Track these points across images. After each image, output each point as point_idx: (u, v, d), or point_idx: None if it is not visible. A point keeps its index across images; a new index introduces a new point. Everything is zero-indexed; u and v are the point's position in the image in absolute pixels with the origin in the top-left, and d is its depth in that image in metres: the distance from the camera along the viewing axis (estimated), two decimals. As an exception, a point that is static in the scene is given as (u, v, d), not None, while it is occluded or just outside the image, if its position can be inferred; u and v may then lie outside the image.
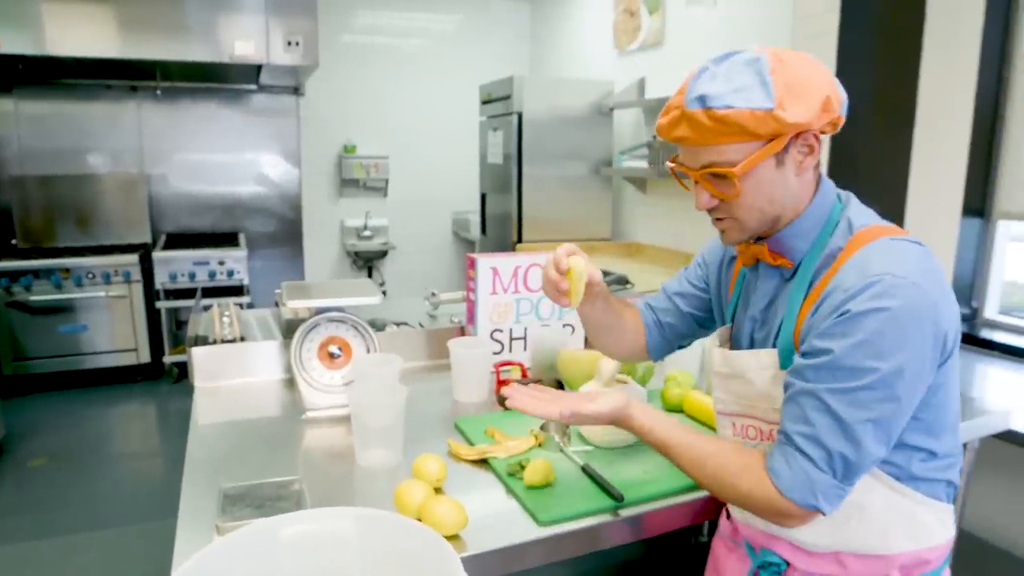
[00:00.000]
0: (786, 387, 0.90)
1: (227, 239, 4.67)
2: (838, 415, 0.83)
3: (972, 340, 2.47)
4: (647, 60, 3.90)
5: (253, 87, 4.71)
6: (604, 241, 4.14)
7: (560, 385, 1.52)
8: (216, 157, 4.80)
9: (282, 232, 5.08)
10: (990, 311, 2.57)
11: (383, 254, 5.24)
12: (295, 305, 1.43)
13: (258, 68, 4.09)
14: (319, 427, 1.41)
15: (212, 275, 4.33)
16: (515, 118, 3.87)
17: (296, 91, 4.92)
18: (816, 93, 0.86)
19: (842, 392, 0.83)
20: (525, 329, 1.73)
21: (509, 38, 5.40)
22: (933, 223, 2.49)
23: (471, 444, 1.30)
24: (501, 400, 1.48)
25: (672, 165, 0.98)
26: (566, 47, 4.90)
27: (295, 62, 3.84)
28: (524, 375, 1.61)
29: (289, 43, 3.78)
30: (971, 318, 2.59)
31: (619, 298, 1.27)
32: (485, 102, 4.29)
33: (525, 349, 1.73)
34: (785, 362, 0.93)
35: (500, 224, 4.16)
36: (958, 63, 2.37)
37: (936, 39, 2.39)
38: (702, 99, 0.86)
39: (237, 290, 4.36)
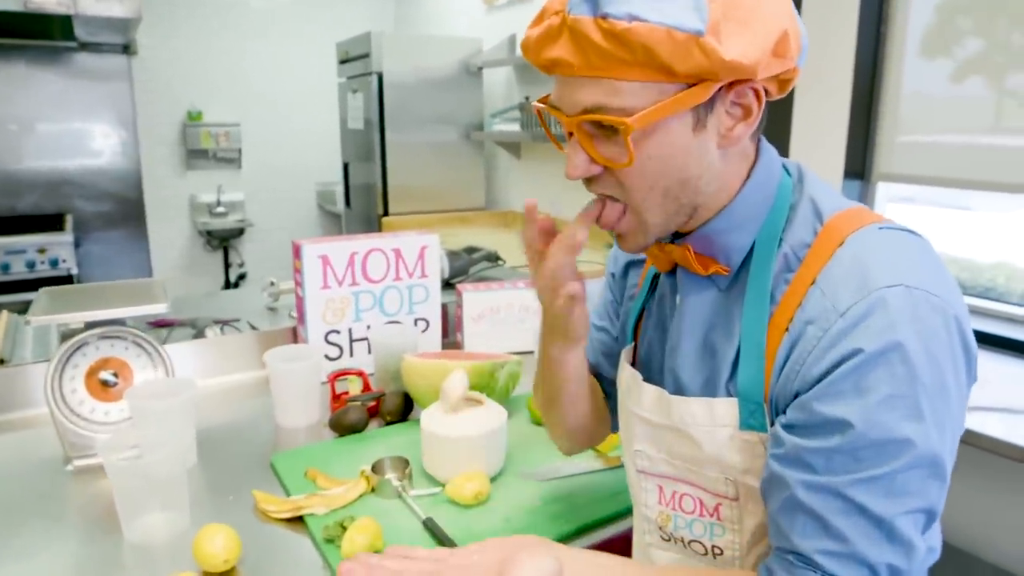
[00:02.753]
0: (774, 480, 0.62)
1: (51, 222, 4.06)
2: (874, 514, 0.56)
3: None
4: (517, 15, 3.62)
5: (72, 44, 4.08)
6: (478, 211, 3.87)
7: (408, 401, 1.24)
8: (31, 127, 4.15)
9: (120, 212, 4.49)
10: (870, 275, 2.50)
11: (240, 232, 4.76)
12: (40, 321, 1.07)
13: (69, 20, 3.50)
14: (88, 481, 1.07)
15: (31, 265, 3.74)
16: (375, 79, 3.51)
17: (127, 50, 4.31)
18: (768, 25, 0.59)
19: (874, 481, 0.56)
20: (368, 328, 1.43)
21: (371, -7, 4.97)
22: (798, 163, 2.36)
23: (286, 493, 1.01)
24: (334, 424, 1.19)
25: (540, 106, 0.68)
26: (432, 3, 4.54)
27: (111, 13, 3.29)
28: (366, 387, 1.32)
29: (103, -9, 3.23)
30: (852, 283, 2.51)
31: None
32: (343, 61, 3.88)
33: (370, 352, 1.44)
34: (749, 418, 0.65)
35: (364, 196, 3.80)
36: (836, 20, 2.23)
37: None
38: (597, 2, 0.57)
39: (64, 281, 3.80)
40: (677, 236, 0.70)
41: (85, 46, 4.16)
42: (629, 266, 0.86)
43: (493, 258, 2.29)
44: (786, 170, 0.70)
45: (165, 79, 4.49)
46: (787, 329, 0.62)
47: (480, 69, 3.72)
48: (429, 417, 1.00)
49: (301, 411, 1.24)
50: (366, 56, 3.54)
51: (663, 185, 0.63)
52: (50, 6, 3.18)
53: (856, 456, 0.56)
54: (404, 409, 1.23)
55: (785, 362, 0.62)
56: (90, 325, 1.13)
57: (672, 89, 0.59)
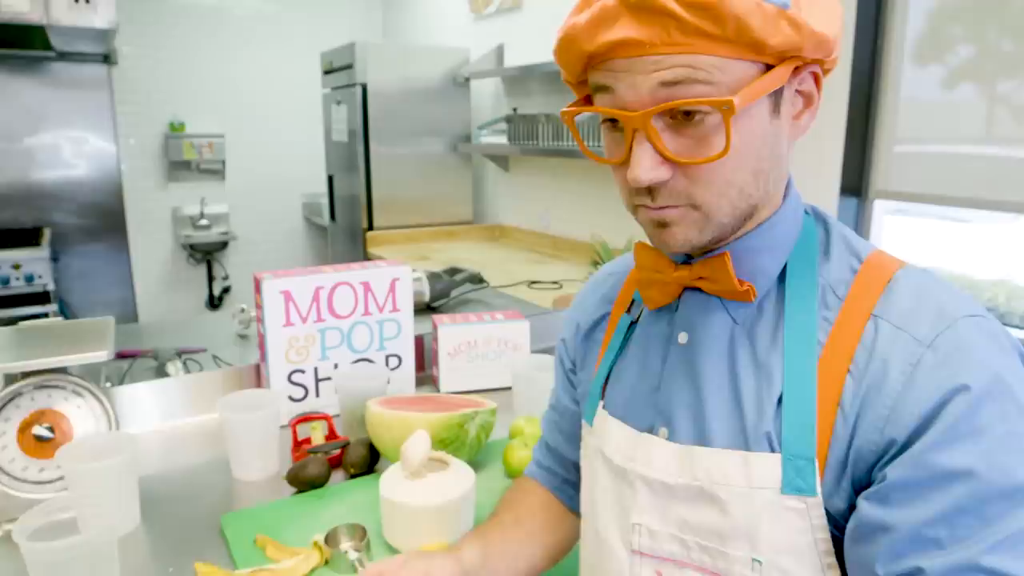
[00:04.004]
0: (863, 565, 0.52)
1: (28, 236, 3.95)
2: None
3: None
4: (505, 25, 3.53)
5: (50, 54, 3.98)
6: (465, 224, 3.77)
7: (374, 451, 1.14)
8: (9, 138, 4.05)
9: (101, 225, 4.39)
10: (867, 295, 2.41)
11: (223, 245, 4.65)
12: (-37, 375, 0.98)
13: (42, 30, 3.40)
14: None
15: (5, 281, 3.63)
16: (359, 90, 3.42)
17: (107, 59, 4.22)
18: (836, 3, 0.57)
19: (1014, 542, 0.47)
20: (335, 366, 1.34)
21: (358, 3, 4.87)
22: (810, 202, 2.28)
23: (233, 564, 0.92)
24: (292, 478, 1.09)
25: (571, 110, 0.60)
26: (420, 11, 4.45)
27: (86, 23, 3.19)
28: (331, 433, 1.23)
29: (76, 0, 3.13)
30: (848, 303, 2.42)
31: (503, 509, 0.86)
32: (327, 72, 3.79)
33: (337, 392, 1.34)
34: (796, 478, 0.54)
35: (349, 209, 3.71)
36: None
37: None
38: None
39: (40, 298, 3.69)
40: (706, 252, 0.63)
41: (64, 56, 4.06)
42: (595, 324, 0.77)
43: (476, 280, 2.19)
44: (806, 209, 0.66)
45: (147, 89, 4.39)
46: (849, 371, 0.54)
47: (467, 80, 3.64)
48: (389, 481, 0.91)
49: (258, 463, 1.14)
50: (350, 67, 3.45)
51: (741, 179, 0.56)
52: (22, 16, 3.08)
53: (983, 514, 0.47)
54: (370, 460, 1.14)
55: (860, 409, 0.53)
56: (25, 375, 1.04)
57: (754, 69, 0.54)
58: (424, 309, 2.04)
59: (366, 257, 3.47)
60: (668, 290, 0.65)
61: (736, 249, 0.60)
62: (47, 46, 3.84)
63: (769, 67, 0.54)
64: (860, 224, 2.37)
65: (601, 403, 0.71)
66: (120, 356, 1.68)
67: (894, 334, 0.54)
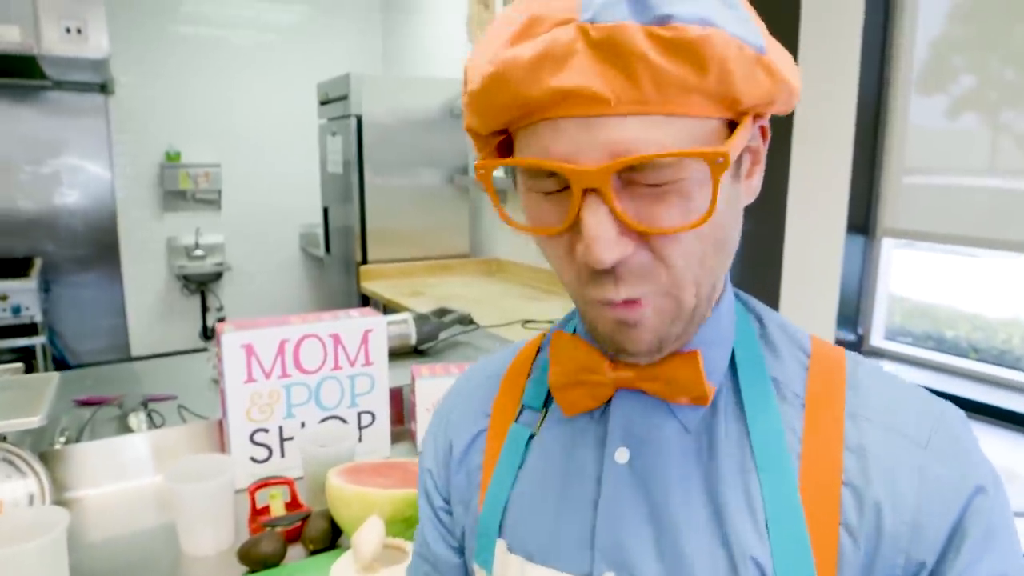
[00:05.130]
0: None
1: (17, 267, 3.88)
2: None
3: (859, 372, 2.18)
4: (503, 55, 3.48)
5: (47, 83, 3.95)
6: (462, 258, 3.69)
7: (336, 526, 1.04)
8: (3, 167, 4.01)
9: (94, 255, 4.34)
10: (876, 338, 2.31)
11: (218, 276, 4.58)
12: None
13: (33, 60, 3.37)
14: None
15: (-8, 313, 3.56)
16: (354, 121, 3.35)
17: (104, 88, 4.19)
18: (788, 56, 0.47)
19: None
20: (303, 425, 1.24)
21: (357, 33, 4.85)
22: (815, 242, 2.19)
23: (164, 664, 0.81)
24: (244, 556, 0.99)
25: (489, 163, 0.45)
26: (419, 43, 4.41)
27: (78, 53, 3.16)
28: (293, 500, 1.13)
29: (68, 30, 3.09)
30: (856, 346, 2.32)
31: None
32: (323, 103, 3.74)
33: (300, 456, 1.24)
34: None
35: (344, 241, 3.63)
36: (838, 60, 2.08)
37: (813, 35, 2.08)
38: (646, 2, 0.39)
39: (27, 330, 3.62)
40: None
41: (60, 85, 4.04)
42: (471, 443, 0.59)
43: (466, 321, 2.10)
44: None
45: (143, 118, 4.36)
46: (843, 481, 0.46)
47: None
48: (338, 574, 0.80)
49: (209, 537, 1.04)
50: (345, 98, 3.40)
51: (711, 254, 0.45)
52: (13, 47, 3.04)
53: None
54: (332, 535, 1.04)
55: (873, 527, 0.45)
56: (-46, 437, 0.94)
57: (718, 122, 0.43)
58: (411, 353, 1.94)
59: (359, 292, 3.39)
60: (599, 393, 0.51)
61: (695, 344, 0.50)
62: (43, 75, 3.81)
63: (730, 121, 0.44)
64: (868, 262, 2.27)
65: (503, 542, 0.55)
66: (83, 403, 1.59)
67: (884, 436, 0.47)
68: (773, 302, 2.25)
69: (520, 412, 0.58)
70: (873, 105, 2.14)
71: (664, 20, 0.38)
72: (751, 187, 0.50)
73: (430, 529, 0.63)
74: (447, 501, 0.61)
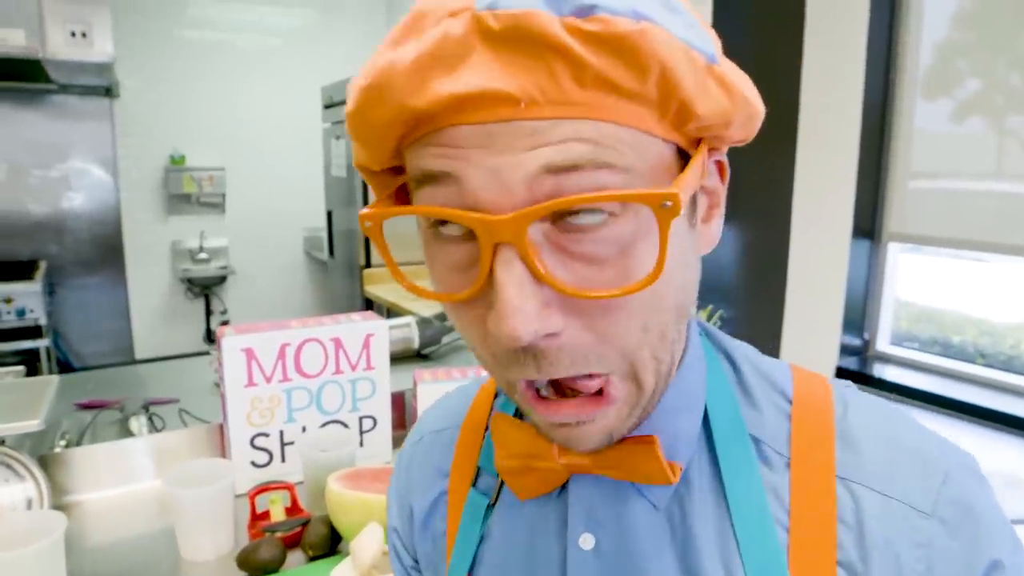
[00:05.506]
0: None
1: (22, 269, 3.89)
2: None
3: (863, 378, 2.17)
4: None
5: (52, 87, 3.96)
6: (467, 262, 3.68)
7: (335, 532, 1.03)
8: (9, 170, 4.02)
9: (98, 258, 4.34)
10: (882, 343, 2.30)
11: (222, 279, 4.58)
12: None
13: (38, 63, 3.38)
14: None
15: (-4, 315, 3.57)
16: (358, 125, 3.35)
17: (109, 92, 4.19)
18: (745, 76, 0.39)
19: None
20: (303, 430, 1.24)
21: (361, 36, 4.85)
22: (821, 247, 2.18)
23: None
24: (243, 562, 0.98)
25: (377, 213, 0.36)
26: (423, 45, 4.41)
27: (82, 57, 3.16)
28: (294, 505, 1.12)
29: (73, 34, 3.10)
30: (862, 351, 2.30)
31: None
32: (327, 106, 3.74)
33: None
34: None
35: (347, 244, 3.63)
36: (843, 65, 2.07)
37: (818, 38, 2.07)
38: None
39: (31, 333, 3.62)
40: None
41: (65, 88, 4.04)
42: (432, 506, 0.53)
43: (469, 325, 2.09)
44: None
45: (148, 122, 4.37)
46: (839, 561, 0.39)
47: (469, 115, 3.58)
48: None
49: (208, 543, 1.03)
50: (349, 101, 3.40)
51: (663, 319, 0.37)
52: (17, 50, 3.05)
53: None
54: (331, 540, 1.03)
55: None
56: (-47, 441, 0.94)
57: (668, 151, 0.36)
58: (414, 357, 1.94)
59: (363, 295, 3.38)
60: (551, 478, 0.44)
61: (653, 419, 0.42)
62: (48, 79, 3.82)
63: (680, 151, 0.37)
64: (873, 267, 2.26)
65: None
66: (85, 407, 1.58)
67: (883, 505, 0.40)
68: (778, 308, 2.23)
69: (478, 475, 0.51)
70: (878, 109, 2.13)
71: (586, 11, 0.31)
72: (709, 234, 0.42)
73: None
74: (416, 561, 0.56)
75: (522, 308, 0.32)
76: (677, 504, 0.43)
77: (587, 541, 0.44)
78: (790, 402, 0.44)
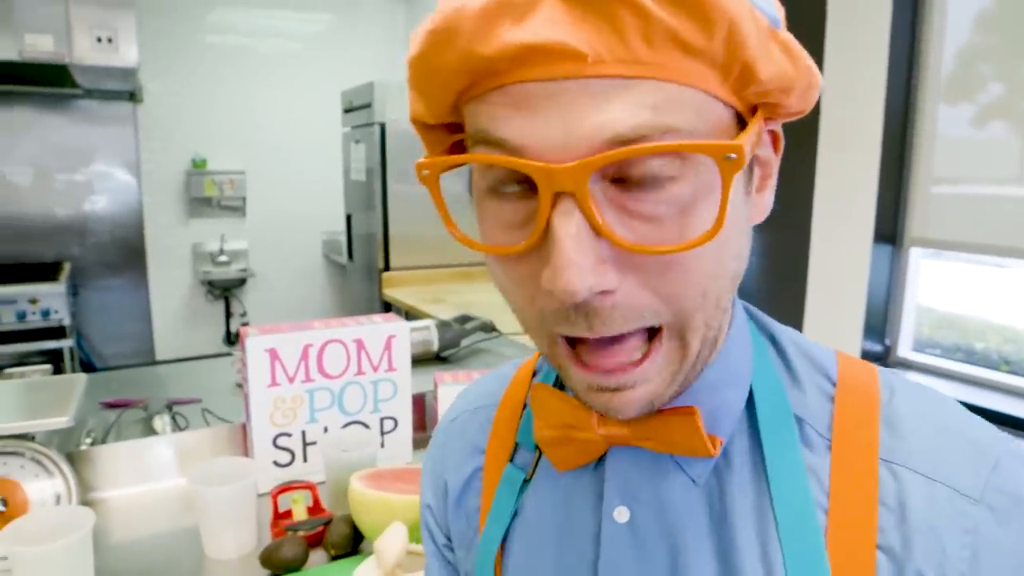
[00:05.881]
0: None
1: (47, 271, 3.95)
2: None
3: (886, 384, 2.15)
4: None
5: (78, 91, 4.02)
6: (484, 265, 3.68)
7: (358, 531, 1.04)
8: (35, 173, 4.08)
9: (121, 260, 4.39)
10: (903, 349, 2.28)
11: (242, 282, 4.63)
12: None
13: (65, 68, 3.43)
14: (-45, 636, 0.88)
15: (22, 316, 3.61)
16: (377, 129, 3.38)
17: (132, 97, 4.25)
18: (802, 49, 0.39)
19: None
20: (325, 430, 1.25)
21: (381, 41, 4.89)
22: (842, 252, 2.16)
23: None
24: (265, 560, 0.99)
25: (437, 161, 0.37)
26: (442, 49, 4.44)
27: (108, 62, 3.21)
28: (316, 504, 1.13)
29: (99, 39, 3.15)
30: (883, 358, 2.28)
31: None
32: (347, 111, 3.77)
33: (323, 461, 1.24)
34: None
35: (367, 248, 3.65)
36: (865, 68, 2.06)
37: (840, 41, 2.07)
38: None
39: (56, 333, 3.67)
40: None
41: (90, 93, 4.10)
42: (466, 483, 0.53)
43: (488, 328, 2.10)
44: None
45: (170, 126, 4.42)
46: (879, 545, 0.38)
47: (487, 119, 3.59)
48: (361, 579, 0.80)
49: (232, 540, 1.04)
50: (369, 106, 3.42)
51: (720, 284, 0.37)
52: (45, 56, 3.10)
53: None
54: (353, 540, 1.04)
55: None
56: (-16, 437, 0.96)
57: (728, 116, 0.35)
58: (433, 360, 1.95)
59: (381, 299, 3.40)
60: (590, 449, 0.44)
61: (695, 391, 0.41)
62: (74, 84, 3.88)
63: (739, 118, 0.36)
64: (895, 272, 2.24)
65: None
66: (109, 406, 1.61)
67: (928, 488, 0.39)
68: (798, 313, 2.22)
69: (515, 450, 0.51)
70: (900, 113, 2.12)
71: None
72: (762, 204, 0.41)
73: (437, 568, 0.57)
74: (449, 540, 0.56)
75: (579, 262, 0.32)
76: (716, 481, 0.42)
77: (622, 514, 0.43)
78: (834, 384, 0.43)
